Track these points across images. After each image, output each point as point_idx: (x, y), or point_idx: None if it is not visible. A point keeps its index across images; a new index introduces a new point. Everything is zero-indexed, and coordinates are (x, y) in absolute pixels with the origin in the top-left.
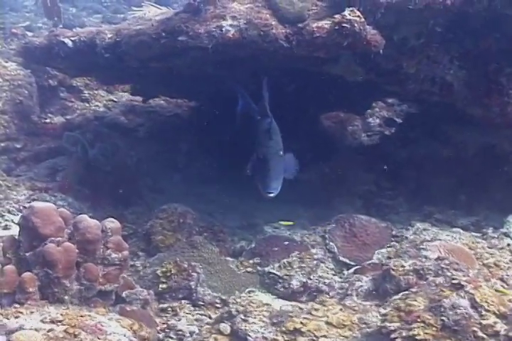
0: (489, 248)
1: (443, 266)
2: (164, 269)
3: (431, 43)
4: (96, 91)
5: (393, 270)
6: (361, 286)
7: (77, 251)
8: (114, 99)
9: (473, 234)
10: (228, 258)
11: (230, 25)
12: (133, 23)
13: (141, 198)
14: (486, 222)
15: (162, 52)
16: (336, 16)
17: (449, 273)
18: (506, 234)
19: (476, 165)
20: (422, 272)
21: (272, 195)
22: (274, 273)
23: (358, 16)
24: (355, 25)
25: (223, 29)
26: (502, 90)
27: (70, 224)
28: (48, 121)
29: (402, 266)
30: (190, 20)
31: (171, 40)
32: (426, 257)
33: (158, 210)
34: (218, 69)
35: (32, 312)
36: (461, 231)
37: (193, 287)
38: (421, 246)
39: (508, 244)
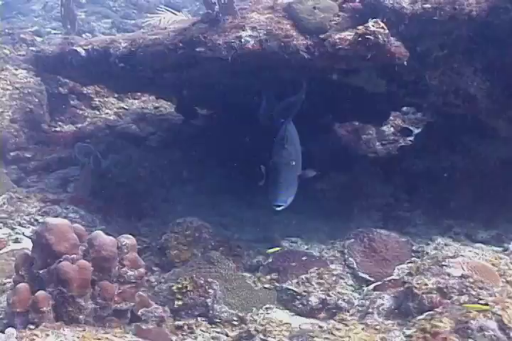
0: None
1: (467, 284)
2: (180, 285)
3: (454, 54)
4: (106, 99)
5: (416, 288)
6: (382, 304)
7: (92, 268)
8: (125, 107)
9: (494, 248)
10: (245, 274)
11: (250, 36)
12: (148, 32)
13: (155, 210)
14: (507, 235)
15: (178, 63)
16: (359, 27)
17: (474, 292)
18: None
19: (496, 178)
20: (445, 290)
21: (279, 208)
22: (292, 290)
23: (382, 28)
24: (379, 36)
25: (242, 40)
26: None
27: (84, 240)
28: (58, 129)
29: (425, 284)
30: (209, 31)
31: (188, 50)
32: (449, 274)
33: (173, 224)
34: (235, 79)
35: (48, 335)
36: (484, 246)
37: (209, 304)
38: (443, 263)
39: None
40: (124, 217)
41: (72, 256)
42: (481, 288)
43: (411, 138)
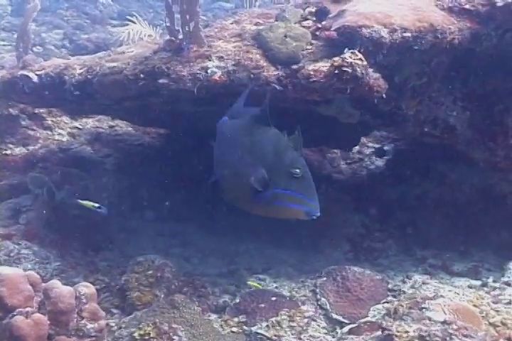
0: (494, 303)
1: (451, 331)
2: (142, 332)
3: (433, 83)
4: (59, 118)
5: (396, 336)
6: None
7: (48, 323)
8: (79, 127)
9: (472, 281)
10: (211, 315)
11: (217, 67)
12: (105, 58)
13: (112, 242)
14: (484, 266)
15: (140, 93)
16: (336, 59)
17: (458, 340)
18: (508, 283)
19: (470, 206)
20: (428, 339)
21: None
22: (261, 334)
23: (360, 59)
24: (357, 69)
25: (209, 71)
26: (507, 133)
27: (39, 289)
28: (8, 152)
29: (406, 332)
30: (172, 61)
31: (150, 82)
32: (430, 319)
33: (133, 263)
34: (200, 107)
35: None
36: (463, 284)
37: None
38: (423, 306)
39: None
40: (81, 250)
41: (27, 309)
42: (465, 336)
43: (383, 159)
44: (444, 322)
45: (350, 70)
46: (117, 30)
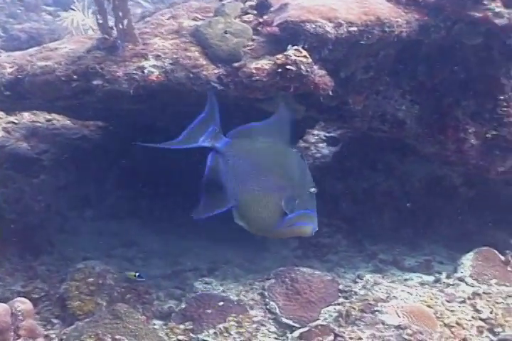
0: (448, 302)
1: (406, 337)
2: None
3: (381, 77)
4: None
5: None
6: None
7: None
8: (14, 121)
9: (425, 277)
10: (157, 325)
11: (154, 66)
12: (36, 55)
13: (51, 245)
14: (435, 259)
15: (73, 93)
16: (279, 56)
17: None
18: (461, 279)
19: (420, 198)
20: None
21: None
22: None
23: (305, 56)
24: (302, 67)
25: (145, 71)
26: (458, 126)
27: None
28: None
29: (359, 339)
30: (106, 60)
31: (84, 83)
32: (384, 323)
33: (73, 270)
34: (136, 104)
35: None
36: (416, 283)
37: None
38: (376, 308)
39: (469, 298)
40: (18, 255)
41: None
42: None
43: (329, 149)
44: (398, 327)
45: (294, 68)
46: (53, 19)
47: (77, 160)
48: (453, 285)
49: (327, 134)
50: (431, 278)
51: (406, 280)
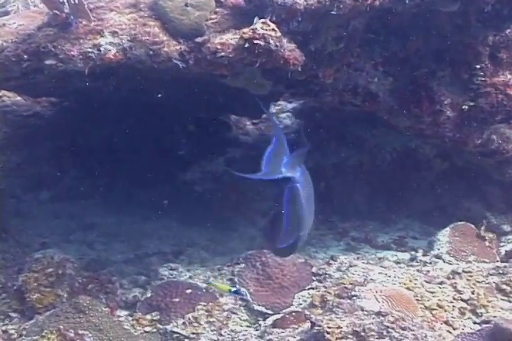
0: (427, 283)
1: (387, 324)
2: (45, 340)
3: (351, 48)
4: None
5: (328, 333)
6: None
7: None
8: None
9: (400, 255)
10: (122, 316)
11: (110, 44)
12: None
13: (6, 232)
14: (409, 235)
15: (23, 73)
16: (245, 30)
17: (396, 334)
18: (438, 257)
19: (393, 171)
20: (363, 334)
21: None
22: (178, 333)
23: (273, 30)
24: (271, 41)
25: (102, 49)
26: (433, 97)
27: None
28: None
29: (339, 327)
30: (59, 38)
31: (35, 63)
32: (363, 309)
33: (30, 260)
34: (91, 83)
35: None
36: (394, 264)
37: None
38: (353, 293)
39: (449, 277)
40: None
41: None
42: (403, 329)
43: (291, 120)
44: (379, 314)
45: (262, 43)
46: None
47: (29, 138)
48: (430, 263)
49: (289, 104)
50: (406, 256)
51: (380, 259)
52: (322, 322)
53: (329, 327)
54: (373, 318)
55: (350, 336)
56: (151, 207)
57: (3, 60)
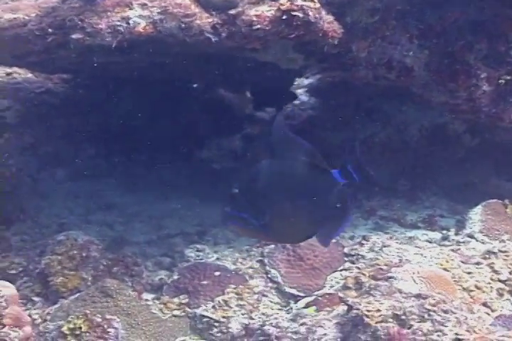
0: (464, 263)
1: (429, 307)
2: (72, 325)
3: (387, 20)
4: None
5: (367, 316)
6: (325, 335)
7: None
8: None
9: (431, 234)
10: (149, 299)
11: (140, 16)
12: (1, 6)
13: (24, 212)
14: (436, 213)
15: (46, 48)
16: (282, 1)
17: (438, 317)
18: (471, 236)
19: (421, 148)
20: (403, 317)
21: None
22: (208, 317)
23: (312, 1)
24: (309, 13)
25: (131, 22)
26: (470, 71)
27: None
28: None
29: (378, 311)
30: (86, 11)
31: (61, 37)
32: (401, 291)
33: (53, 242)
34: (115, 58)
35: None
36: (428, 244)
37: None
38: (389, 275)
39: (485, 257)
40: None
41: None
42: (445, 312)
43: (309, 96)
44: (418, 296)
45: (301, 15)
46: None
47: (43, 116)
48: (463, 242)
49: (305, 80)
50: (437, 235)
51: (411, 238)
52: (360, 305)
53: (368, 311)
54: (413, 301)
55: (391, 319)
56: (171, 186)
57: (27, 34)
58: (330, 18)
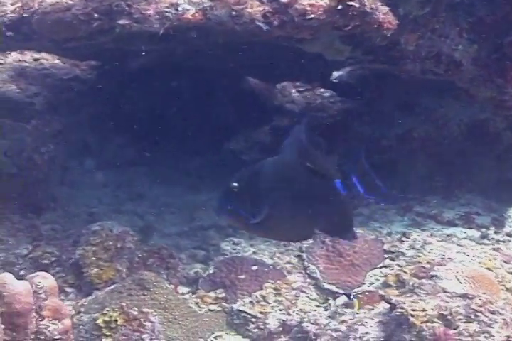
0: (506, 263)
1: (475, 307)
2: (107, 318)
3: (437, 13)
4: None
5: (412, 316)
6: (367, 334)
7: (2, 327)
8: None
9: (468, 232)
10: (185, 292)
11: (189, 3)
12: None
13: (54, 200)
14: (472, 210)
15: (89, 34)
16: None
17: (484, 318)
18: (510, 235)
19: (459, 144)
20: (449, 317)
21: None
22: (245, 312)
23: None
24: (366, 3)
25: (180, 8)
26: None
27: None
28: None
29: (424, 310)
30: None
31: (106, 23)
32: (445, 291)
33: (87, 232)
34: (155, 45)
35: None
36: (470, 242)
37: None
38: (433, 273)
39: None
40: (19, 213)
41: None
42: (492, 312)
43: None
44: (464, 296)
45: (357, 5)
46: None
47: (71, 103)
48: (503, 241)
49: (335, 72)
50: (476, 234)
51: (449, 236)
52: (404, 304)
53: (413, 310)
54: (459, 301)
55: (436, 319)
56: (200, 176)
57: (71, 19)
58: (385, 9)
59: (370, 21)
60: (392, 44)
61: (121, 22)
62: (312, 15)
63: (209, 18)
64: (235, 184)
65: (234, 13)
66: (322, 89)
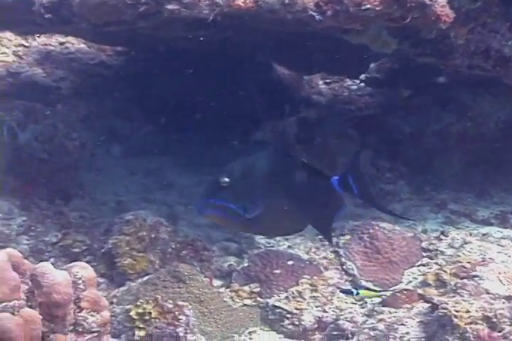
0: None
1: None
2: (141, 310)
3: (489, 7)
4: (2, 34)
5: (456, 317)
6: (407, 334)
7: (41, 318)
8: (25, 44)
9: (505, 232)
10: (219, 286)
11: None
12: None
13: (82, 188)
14: (506, 208)
15: (135, 18)
16: None
17: None
18: None
19: (496, 141)
20: (494, 320)
21: None
22: (281, 308)
23: None
24: None
25: None
26: None
27: (23, 271)
28: None
29: (468, 312)
30: None
31: (153, 7)
32: (488, 292)
33: (120, 222)
34: (192, 32)
35: None
36: (510, 243)
37: (181, 334)
38: (474, 273)
39: None
40: (47, 200)
41: (13, 302)
42: None
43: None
44: (509, 298)
45: None
46: None
47: (97, 88)
48: None
49: None
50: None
51: (484, 235)
52: (447, 304)
53: (457, 311)
54: (503, 303)
55: (480, 321)
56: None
57: (117, 2)
58: (443, 1)
59: (429, 14)
60: (441, 37)
61: (169, 7)
62: (368, 6)
63: (260, 5)
64: (226, 179)
65: (286, 1)
66: (349, 82)
